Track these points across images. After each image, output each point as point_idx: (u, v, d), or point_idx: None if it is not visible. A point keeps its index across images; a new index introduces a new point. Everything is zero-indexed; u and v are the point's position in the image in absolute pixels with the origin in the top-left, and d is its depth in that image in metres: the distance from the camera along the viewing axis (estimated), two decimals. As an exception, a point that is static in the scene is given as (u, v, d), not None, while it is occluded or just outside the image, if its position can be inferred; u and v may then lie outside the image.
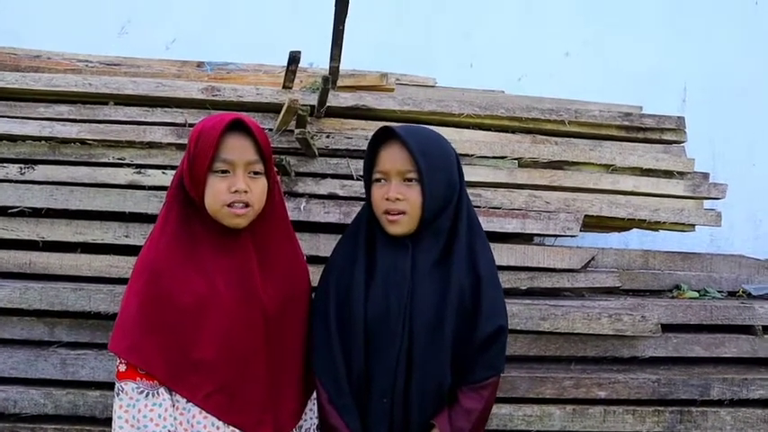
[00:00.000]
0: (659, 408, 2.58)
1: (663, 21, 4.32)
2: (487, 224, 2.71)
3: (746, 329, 2.78)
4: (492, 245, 2.65)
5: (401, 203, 1.68)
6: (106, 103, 2.75)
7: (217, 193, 1.62)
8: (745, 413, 2.61)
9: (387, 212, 1.70)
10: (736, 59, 4.34)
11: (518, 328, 2.52)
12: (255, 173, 1.66)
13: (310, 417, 1.81)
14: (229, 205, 1.63)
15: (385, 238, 1.74)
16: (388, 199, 1.69)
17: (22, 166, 2.62)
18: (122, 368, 1.61)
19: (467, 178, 2.74)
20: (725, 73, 4.33)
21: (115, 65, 3.16)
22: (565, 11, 4.24)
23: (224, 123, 1.63)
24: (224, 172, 1.63)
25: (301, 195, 2.69)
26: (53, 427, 2.38)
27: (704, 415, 2.59)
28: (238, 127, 1.65)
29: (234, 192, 1.62)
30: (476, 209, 2.70)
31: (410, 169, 1.68)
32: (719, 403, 2.63)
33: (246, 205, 1.64)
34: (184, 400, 1.62)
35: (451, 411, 1.67)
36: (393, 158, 1.70)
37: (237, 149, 1.64)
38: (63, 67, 3.05)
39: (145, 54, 3.30)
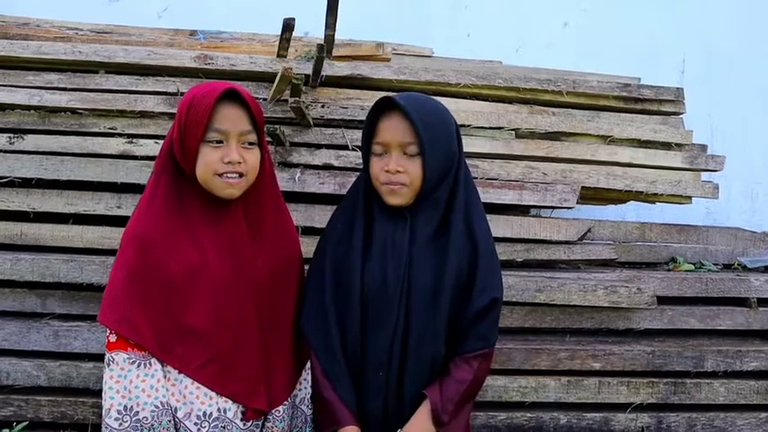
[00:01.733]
0: (653, 379, 2.59)
1: (662, -9, 4.27)
2: (484, 195, 2.67)
3: (741, 302, 2.78)
4: (488, 216, 2.62)
5: (401, 176, 1.65)
6: (96, 72, 2.70)
7: (209, 164, 1.59)
8: (738, 384, 2.63)
9: (385, 184, 1.67)
10: (735, 33, 4.30)
11: (514, 299, 2.52)
12: (249, 143, 1.63)
13: (305, 386, 1.80)
14: (221, 175, 1.60)
15: (382, 210, 1.71)
16: (388, 171, 1.65)
17: (11, 135, 2.58)
18: (113, 338, 1.58)
19: (464, 149, 2.75)
20: (723, 46, 4.28)
21: (106, 33, 3.10)
22: (563, -19, 4.17)
23: (217, 92, 1.58)
24: (218, 142, 1.60)
25: (296, 166, 2.66)
26: (46, 398, 2.38)
27: (698, 386, 2.61)
28: (232, 96, 1.60)
29: (227, 162, 1.59)
30: (472, 180, 2.70)
31: (411, 141, 1.64)
32: (713, 375, 2.64)
33: (240, 176, 1.61)
34: (176, 371, 1.60)
35: (442, 382, 1.66)
36: (394, 130, 1.66)
37: (231, 119, 1.60)
38: (52, 35, 2.99)
39: (136, 23, 3.24)
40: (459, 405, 1.66)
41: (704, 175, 3.08)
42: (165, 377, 1.60)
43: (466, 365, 1.67)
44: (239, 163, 1.59)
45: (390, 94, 1.71)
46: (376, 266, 1.68)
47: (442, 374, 1.68)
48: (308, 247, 1.87)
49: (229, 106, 1.60)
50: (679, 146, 3.01)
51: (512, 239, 2.71)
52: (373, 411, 1.68)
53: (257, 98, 1.70)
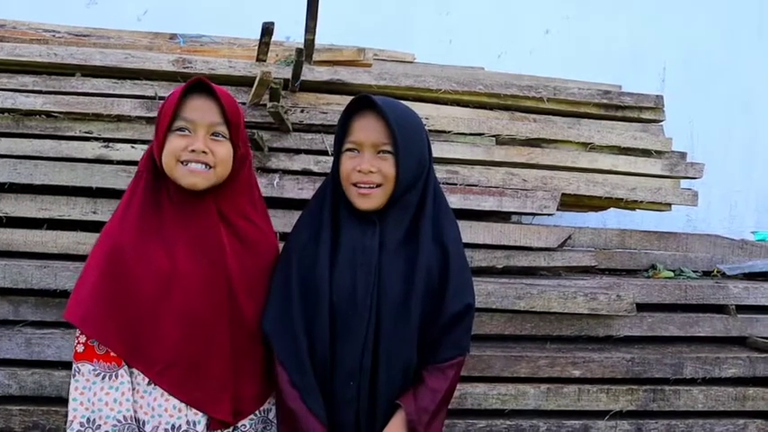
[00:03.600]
0: (633, 386, 2.59)
1: (643, 0, 4.29)
2: (464, 202, 2.69)
3: (720, 309, 2.80)
4: (468, 223, 2.67)
5: (374, 176, 1.62)
6: (73, 75, 2.66)
7: (173, 150, 1.57)
8: (716, 391, 2.63)
9: (356, 185, 1.64)
10: (716, 40, 4.35)
11: (494, 306, 2.51)
12: (219, 135, 1.60)
13: (273, 402, 1.73)
14: (184, 163, 1.57)
15: (350, 214, 1.68)
16: (360, 171, 1.62)
17: (-16, 139, 2.53)
18: (80, 349, 1.56)
19: (444, 155, 2.76)
20: (704, 54, 4.33)
21: (84, 36, 3.06)
22: (545, -12, 4.19)
23: (187, 84, 1.59)
24: (181, 130, 1.58)
25: (274, 171, 2.63)
26: (18, 407, 2.32)
27: (677, 393, 2.61)
28: (202, 89, 1.60)
29: (191, 151, 1.56)
30: (452, 186, 2.70)
31: (386, 141, 1.62)
32: (692, 382, 2.65)
33: (207, 167, 1.58)
34: (145, 382, 1.57)
35: (416, 391, 1.62)
36: (368, 129, 1.63)
37: (199, 110, 1.58)
38: (29, 37, 2.94)
39: (115, 26, 3.21)
40: (434, 415, 1.63)
41: (684, 183, 3.10)
42: (133, 390, 1.57)
43: (440, 374, 1.64)
44: (204, 153, 1.57)
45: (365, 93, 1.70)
46: (345, 273, 1.64)
47: (415, 383, 1.64)
48: (284, 252, 1.84)
49: (199, 98, 1.59)
50: (659, 153, 3.02)
51: (492, 246, 2.70)
52: (344, 423, 1.63)
53: (233, 97, 1.70)
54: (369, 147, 1.64)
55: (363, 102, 1.66)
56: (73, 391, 1.55)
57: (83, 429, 1.53)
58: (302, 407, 1.60)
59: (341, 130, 1.69)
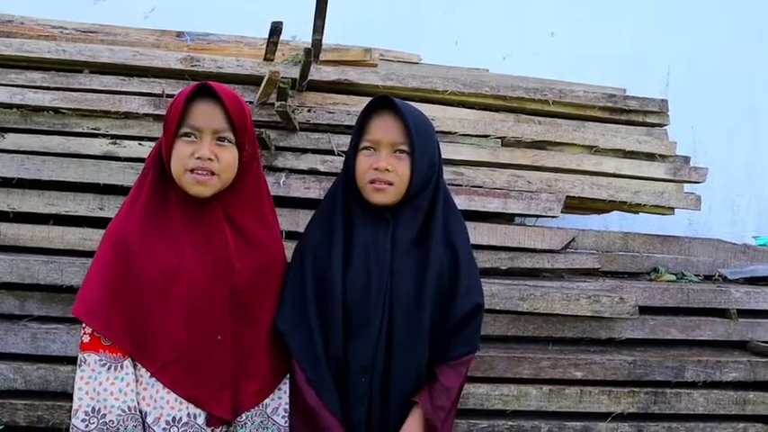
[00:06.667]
0: (634, 389, 2.60)
1: (649, 4, 4.31)
2: (469, 203, 2.70)
3: (721, 313, 2.81)
4: (473, 224, 2.68)
5: (390, 174, 1.65)
6: (81, 71, 2.67)
7: (181, 158, 1.58)
8: (717, 395, 2.64)
9: (372, 182, 1.66)
10: (720, 45, 4.36)
11: (497, 307, 2.52)
12: (224, 140, 1.61)
13: (280, 396, 1.73)
14: (192, 171, 1.58)
15: (363, 213, 1.70)
16: (376, 169, 1.65)
17: (-8, 134, 2.55)
18: (86, 339, 1.57)
19: (450, 156, 2.77)
20: (708, 58, 4.35)
21: (91, 32, 3.07)
22: (551, -10, 4.21)
23: (192, 88, 1.60)
24: (188, 135, 1.59)
25: (281, 170, 2.64)
26: (23, 402, 2.33)
27: (678, 396, 2.62)
28: (208, 93, 1.61)
29: (197, 158, 1.57)
30: (457, 187, 2.72)
31: (402, 141, 1.65)
32: (693, 385, 2.66)
33: (212, 174, 1.59)
34: (148, 374, 1.59)
35: (432, 389, 1.65)
36: (386, 128, 1.67)
37: (204, 115, 1.59)
38: (36, 33, 2.95)
39: (122, 23, 3.21)
40: (449, 412, 1.66)
41: (687, 187, 3.11)
42: (137, 381, 1.59)
43: (453, 372, 1.68)
44: (210, 159, 1.58)
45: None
46: (358, 271, 1.67)
47: (430, 381, 1.67)
48: (291, 251, 1.84)
49: (204, 103, 1.60)
50: (663, 157, 3.03)
51: (496, 247, 2.72)
52: (357, 418, 1.66)
53: (240, 98, 1.70)
54: (386, 145, 1.66)
55: (382, 102, 1.69)
56: (78, 380, 1.57)
57: (87, 418, 1.54)
58: (320, 403, 1.64)
59: (358, 129, 1.72)
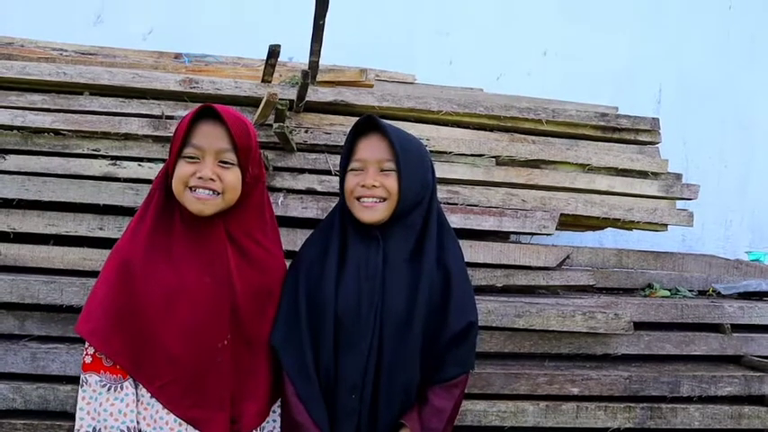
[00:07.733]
0: (630, 404, 2.61)
1: (639, 22, 4.38)
2: (464, 222, 2.73)
3: (715, 328, 2.83)
4: (468, 242, 2.71)
5: (377, 190, 1.69)
6: (81, 93, 2.71)
7: (181, 177, 1.61)
8: (713, 410, 2.66)
9: (359, 199, 1.70)
10: (711, 63, 4.43)
11: (493, 324, 2.54)
12: (227, 162, 1.64)
13: (273, 419, 1.76)
14: (192, 189, 1.62)
15: (356, 231, 1.74)
16: (363, 186, 1.69)
17: (-7, 155, 2.57)
18: (88, 360, 1.60)
19: (445, 176, 2.80)
20: (699, 76, 4.40)
21: (91, 54, 3.10)
22: (543, 11, 4.27)
23: (196, 110, 1.64)
24: (193, 158, 1.62)
25: (279, 190, 2.67)
26: (22, 422, 2.33)
27: (674, 411, 2.64)
28: (211, 115, 1.64)
29: (199, 178, 1.61)
30: (453, 206, 2.75)
31: (388, 158, 1.69)
32: (689, 400, 2.67)
33: (215, 193, 1.62)
34: (149, 395, 1.61)
35: (422, 411, 1.66)
36: (371, 147, 1.71)
37: (207, 137, 1.62)
38: (37, 56, 2.99)
39: (121, 44, 3.25)
40: None
41: (679, 203, 3.14)
42: (138, 401, 1.61)
43: (446, 393, 1.68)
44: (212, 180, 1.61)
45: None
46: (350, 287, 1.69)
47: (419, 401, 1.67)
48: (290, 271, 1.88)
49: (208, 124, 1.63)
50: (655, 174, 3.07)
51: (491, 265, 2.74)
52: None
53: (243, 120, 1.73)
54: (373, 163, 1.70)
55: (367, 124, 1.74)
56: (80, 400, 1.59)
57: None
58: (308, 419, 1.65)
59: (346, 152, 1.76)
